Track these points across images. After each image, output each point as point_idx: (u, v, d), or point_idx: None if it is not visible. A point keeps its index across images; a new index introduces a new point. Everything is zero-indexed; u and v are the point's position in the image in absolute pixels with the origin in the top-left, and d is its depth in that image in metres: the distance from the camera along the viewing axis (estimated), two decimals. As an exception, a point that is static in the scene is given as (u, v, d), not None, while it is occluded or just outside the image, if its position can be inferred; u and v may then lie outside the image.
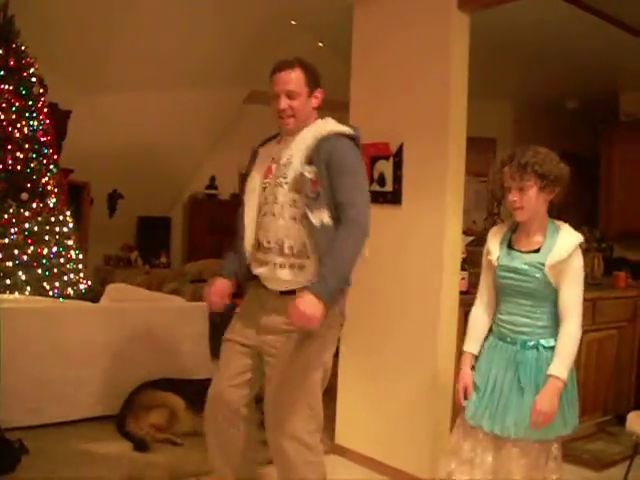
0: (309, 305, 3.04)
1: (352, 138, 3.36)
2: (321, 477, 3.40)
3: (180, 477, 4.39)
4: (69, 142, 9.07)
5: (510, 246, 3.34)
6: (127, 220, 11.60)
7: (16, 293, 6.58)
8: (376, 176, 4.69)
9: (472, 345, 3.44)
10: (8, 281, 6.66)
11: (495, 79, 7.18)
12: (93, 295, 6.81)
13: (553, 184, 3.18)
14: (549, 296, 3.22)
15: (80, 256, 7.75)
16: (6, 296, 6.22)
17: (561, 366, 3.07)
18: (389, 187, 4.63)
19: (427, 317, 4.31)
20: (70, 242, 7.58)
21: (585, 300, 5.36)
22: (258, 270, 3.42)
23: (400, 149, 4.54)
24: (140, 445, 4.79)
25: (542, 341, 3.20)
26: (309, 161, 3.25)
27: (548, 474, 3.22)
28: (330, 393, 3.61)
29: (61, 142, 8.80)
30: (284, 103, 3.31)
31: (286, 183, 3.29)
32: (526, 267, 3.21)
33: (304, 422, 3.32)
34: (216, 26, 8.55)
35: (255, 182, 3.49)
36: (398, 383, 4.59)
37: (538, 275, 3.17)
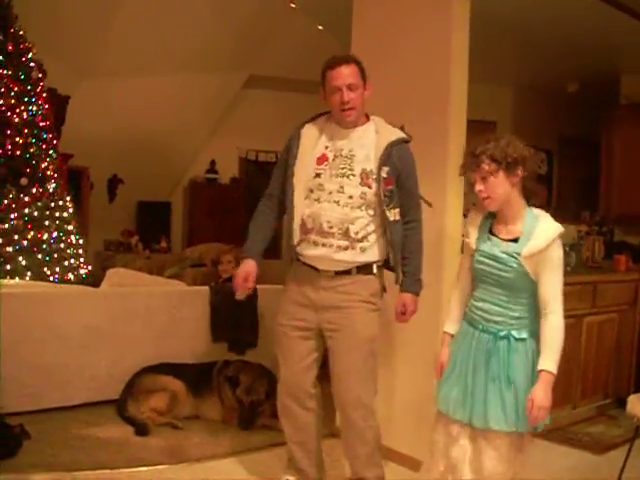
0: (415, 305, 3.77)
1: (408, 143, 3.71)
2: (378, 439, 3.77)
3: (181, 461, 4.40)
4: (68, 127, 9.05)
5: (491, 232, 3.24)
6: (127, 205, 11.59)
7: (16, 278, 6.58)
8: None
9: (451, 325, 3.41)
10: (8, 266, 6.66)
11: (496, 62, 7.15)
12: (93, 280, 6.82)
13: (514, 166, 3.07)
14: (526, 287, 3.12)
15: (80, 241, 7.76)
16: (6, 281, 6.21)
17: (551, 360, 3.00)
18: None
19: (428, 303, 4.28)
20: (70, 227, 7.58)
21: (585, 283, 5.47)
22: (313, 252, 3.62)
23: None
24: (141, 429, 4.81)
25: (514, 332, 3.12)
26: (385, 163, 3.55)
27: (519, 468, 3.19)
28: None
29: (60, 127, 8.78)
30: (348, 95, 3.51)
31: (353, 176, 3.57)
32: (504, 256, 3.11)
33: (369, 389, 3.68)
34: (215, 10, 8.52)
35: (306, 167, 3.64)
36: (401, 367, 4.59)
37: (514, 265, 3.08)
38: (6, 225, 6.80)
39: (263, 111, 11.14)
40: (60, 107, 8.88)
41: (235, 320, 5.82)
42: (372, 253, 3.64)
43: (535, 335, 3.12)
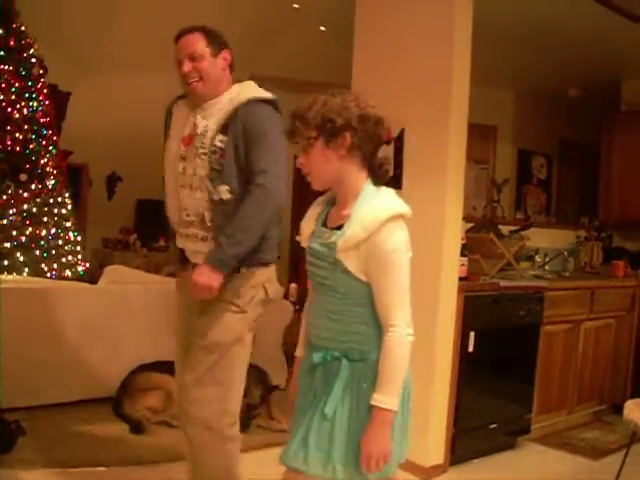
0: (203, 275, 2.99)
1: (273, 104, 3.20)
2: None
3: (176, 459, 4.39)
4: (68, 123, 9.07)
5: (325, 222, 2.49)
6: (126, 203, 11.57)
7: (14, 274, 6.58)
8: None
9: (300, 349, 2.68)
10: (6, 262, 6.67)
11: (497, 66, 7.15)
12: (90, 277, 6.82)
13: (336, 134, 2.30)
14: (357, 292, 2.31)
15: (78, 238, 7.77)
16: (4, 277, 6.21)
17: (385, 394, 2.24)
18: (390, 171, 4.61)
19: (426, 304, 4.29)
20: (68, 224, 7.59)
21: (583, 289, 5.48)
22: (182, 244, 3.33)
23: (401, 134, 4.52)
24: (136, 427, 4.80)
25: (351, 352, 2.34)
26: (224, 130, 3.10)
27: None
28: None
29: (60, 123, 8.79)
30: (187, 66, 3.17)
31: (204, 154, 3.14)
32: (322, 249, 2.36)
33: (211, 404, 3.16)
34: (217, 8, 8.50)
35: (173, 148, 3.29)
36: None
37: (330, 260, 2.32)
38: (4, 221, 6.81)
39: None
40: (61, 103, 8.91)
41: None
42: None
43: None
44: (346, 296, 2.33)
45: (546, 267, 6.12)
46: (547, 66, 7.36)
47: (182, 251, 3.37)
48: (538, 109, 8.56)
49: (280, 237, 3.35)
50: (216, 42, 3.22)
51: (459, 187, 4.38)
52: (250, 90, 3.23)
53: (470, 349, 4.55)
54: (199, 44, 3.19)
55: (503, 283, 4.86)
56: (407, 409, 2.43)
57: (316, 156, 2.34)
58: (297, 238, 2.64)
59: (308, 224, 2.51)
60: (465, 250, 4.62)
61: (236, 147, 3.08)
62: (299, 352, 2.66)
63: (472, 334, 4.55)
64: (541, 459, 4.89)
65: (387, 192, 2.40)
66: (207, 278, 2.99)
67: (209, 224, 3.15)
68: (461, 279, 4.50)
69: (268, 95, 3.20)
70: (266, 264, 3.27)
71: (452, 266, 4.39)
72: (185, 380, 3.23)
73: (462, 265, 4.55)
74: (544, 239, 6.28)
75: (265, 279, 3.26)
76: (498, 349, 4.78)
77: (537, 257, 6.14)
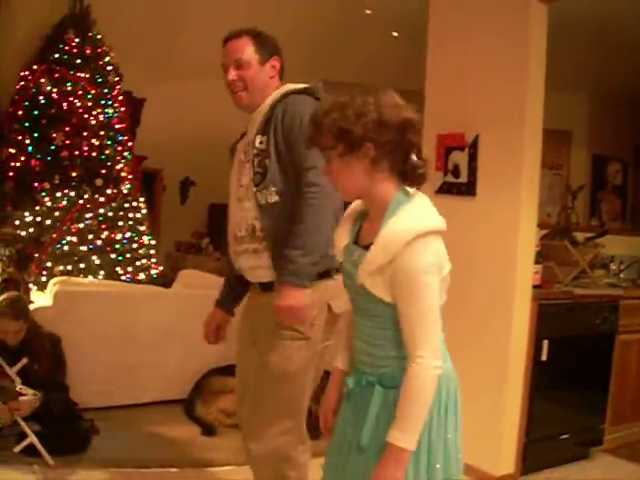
0: (285, 297, 2.68)
1: (309, 92, 2.93)
2: None
3: (247, 462, 4.42)
4: (143, 129, 9.21)
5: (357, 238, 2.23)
6: (198, 207, 11.67)
7: (90, 277, 6.70)
8: (451, 167, 4.63)
9: (341, 358, 2.41)
10: (82, 265, 6.80)
11: (572, 70, 7.04)
12: (164, 280, 6.92)
13: (355, 145, 2.02)
14: (385, 314, 2.07)
15: (152, 242, 7.88)
16: (80, 280, 6.33)
17: (404, 431, 1.98)
18: (464, 178, 4.57)
19: (499, 311, 4.25)
20: (143, 228, 7.71)
21: (633, 298, 5.31)
22: (238, 265, 3.06)
23: (475, 140, 4.48)
24: (208, 429, 4.85)
25: (385, 378, 2.11)
26: (263, 130, 2.90)
27: None
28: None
29: (135, 129, 8.93)
30: (232, 74, 2.96)
31: (248, 161, 2.94)
32: (352, 270, 2.13)
33: (283, 434, 2.96)
34: (289, 14, 8.55)
35: (235, 161, 3.13)
36: (467, 383, 4.55)
37: (358, 282, 2.09)
38: (81, 225, 6.95)
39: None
40: (135, 110, 9.05)
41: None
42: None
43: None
44: (377, 319, 2.10)
45: (621, 275, 6.00)
46: (623, 69, 7.22)
47: (241, 278, 3.12)
48: (614, 114, 8.39)
49: None
50: (266, 48, 3.00)
51: (534, 194, 4.32)
52: (286, 87, 2.99)
53: (543, 358, 4.48)
54: (246, 50, 2.95)
55: (577, 291, 4.79)
56: (458, 426, 2.19)
57: (339, 167, 2.08)
58: (331, 252, 2.39)
59: (340, 238, 2.26)
60: (539, 257, 4.56)
61: (277, 145, 2.84)
62: (340, 363, 2.40)
63: (545, 342, 4.48)
64: (614, 471, 4.78)
65: (418, 202, 2.07)
66: (288, 299, 2.67)
67: (259, 234, 2.88)
68: (535, 287, 4.44)
69: (304, 85, 2.96)
70: (327, 274, 2.88)
71: (526, 273, 4.33)
72: (250, 417, 3.03)
73: (536, 273, 4.49)
74: (619, 246, 6.16)
75: (329, 294, 2.88)
76: (572, 358, 4.70)
77: (612, 265, 6.03)
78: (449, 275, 2.09)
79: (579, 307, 4.73)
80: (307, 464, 3.06)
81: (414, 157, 2.06)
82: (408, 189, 2.09)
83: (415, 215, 2.01)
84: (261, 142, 2.87)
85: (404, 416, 1.99)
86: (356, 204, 2.27)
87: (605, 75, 7.54)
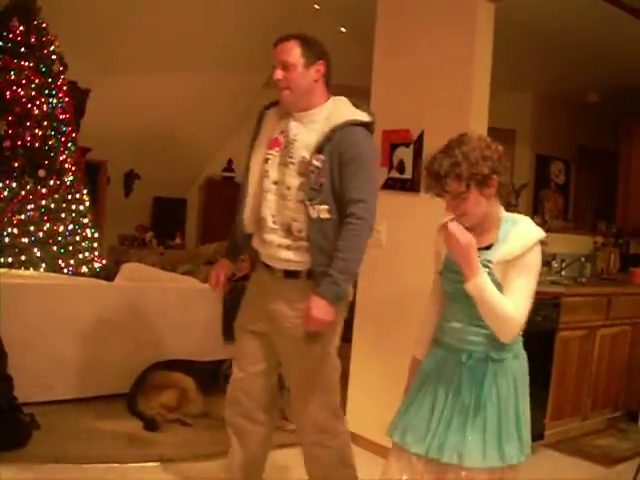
0: (321, 310, 3.13)
1: (368, 126, 3.26)
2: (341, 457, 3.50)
3: (189, 457, 4.41)
4: (87, 121, 9.09)
5: None
6: (143, 200, 11.61)
7: (31, 269, 6.61)
8: (396, 163, 4.66)
9: (420, 350, 2.99)
10: (23, 257, 6.70)
11: (516, 70, 7.12)
12: (107, 274, 6.85)
13: (487, 180, 2.61)
14: None
15: (95, 235, 7.79)
16: (21, 272, 6.24)
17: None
18: (408, 174, 4.60)
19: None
20: (86, 220, 7.62)
21: (600, 295, 5.45)
22: (257, 246, 3.44)
23: (421, 136, 4.51)
24: (150, 424, 4.82)
25: (492, 353, 2.68)
26: (319, 149, 3.16)
27: None
28: (341, 378, 3.57)
29: (80, 120, 8.82)
30: (278, 74, 3.24)
31: (292, 164, 3.24)
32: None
33: (322, 409, 3.39)
34: (238, 8, 8.52)
35: (260, 152, 3.39)
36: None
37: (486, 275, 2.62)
38: (23, 216, 6.85)
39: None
40: (80, 100, 8.92)
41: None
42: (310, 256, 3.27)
43: (518, 355, 2.81)
44: None
45: (563, 273, 6.09)
46: (566, 70, 7.33)
47: (256, 252, 3.47)
48: (556, 114, 8.51)
49: None
50: (312, 52, 3.24)
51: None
52: (346, 109, 3.26)
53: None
54: (293, 53, 3.21)
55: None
56: (526, 405, 2.81)
57: (471, 204, 2.63)
58: (436, 254, 2.91)
59: (442, 246, 2.81)
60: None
61: (331, 169, 3.14)
62: (419, 352, 2.98)
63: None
64: (554, 465, 4.85)
65: (526, 217, 2.76)
66: (325, 313, 3.14)
67: (297, 234, 3.23)
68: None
69: (364, 117, 3.25)
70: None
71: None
72: (295, 396, 3.47)
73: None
74: (561, 244, 6.24)
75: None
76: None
77: (554, 263, 6.11)
78: None
79: (521, 304, 4.79)
80: (346, 433, 3.53)
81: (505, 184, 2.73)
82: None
83: (535, 227, 2.70)
84: (318, 160, 3.14)
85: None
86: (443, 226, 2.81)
87: (548, 76, 7.66)
